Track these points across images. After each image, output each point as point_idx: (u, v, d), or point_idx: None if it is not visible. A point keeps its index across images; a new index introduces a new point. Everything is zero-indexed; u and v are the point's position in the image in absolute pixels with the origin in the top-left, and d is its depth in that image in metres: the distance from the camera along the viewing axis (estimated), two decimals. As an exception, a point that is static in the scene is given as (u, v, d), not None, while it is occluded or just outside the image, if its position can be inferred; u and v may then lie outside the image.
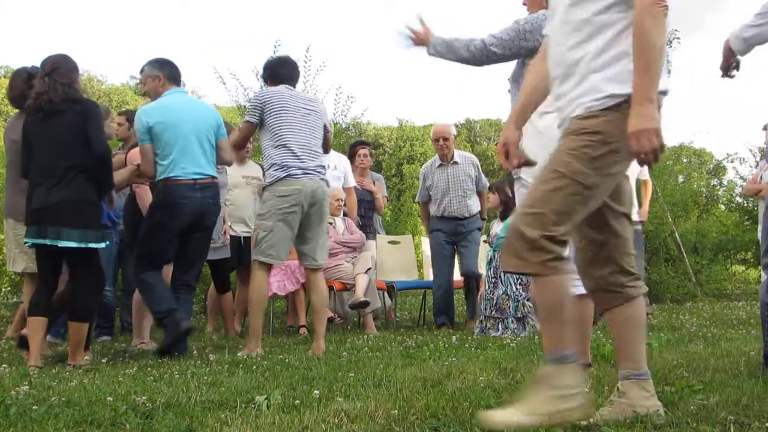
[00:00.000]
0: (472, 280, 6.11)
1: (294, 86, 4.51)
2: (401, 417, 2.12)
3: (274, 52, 10.07)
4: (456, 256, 6.31)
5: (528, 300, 5.29)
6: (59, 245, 3.72)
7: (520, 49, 3.13)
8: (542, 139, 2.93)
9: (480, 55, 3.16)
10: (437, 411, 2.15)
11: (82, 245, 3.75)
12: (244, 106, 10.34)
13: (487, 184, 6.32)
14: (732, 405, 2.22)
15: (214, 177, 4.31)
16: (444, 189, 6.21)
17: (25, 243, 3.84)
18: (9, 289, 8.56)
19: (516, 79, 3.20)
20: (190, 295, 4.47)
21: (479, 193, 6.30)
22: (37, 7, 65.60)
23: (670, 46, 10.51)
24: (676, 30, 10.36)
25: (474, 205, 6.20)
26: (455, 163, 6.21)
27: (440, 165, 6.27)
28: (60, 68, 3.90)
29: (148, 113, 4.21)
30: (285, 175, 4.24)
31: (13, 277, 8.04)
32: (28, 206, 3.83)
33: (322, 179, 4.34)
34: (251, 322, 4.33)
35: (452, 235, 6.15)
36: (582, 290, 2.97)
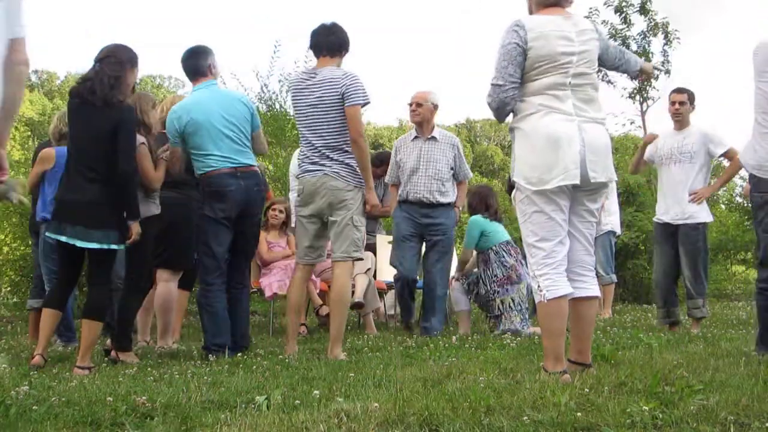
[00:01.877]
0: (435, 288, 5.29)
1: (322, 56, 4.13)
2: (401, 417, 2.12)
3: (275, 52, 10.12)
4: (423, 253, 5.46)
5: (501, 296, 5.20)
6: (77, 245, 3.59)
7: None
8: (529, 140, 2.93)
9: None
10: (437, 411, 2.15)
11: (104, 246, 3.62)
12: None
13: (470, 175, 5.57)
14: (732, 405, 2.22)
15: (252, 165, 4.26)
16: (413, 166, 5.21)
17: (46, 236, 3.71)
18: (9, 289, 8.53)
19: None
20: (246, 294, 4.37)
21: (460, 183, 5.44)
22: (35, 6, 65.52)
23: (670, 46, 10.53)
24: (676, 30, 10.37)
25: (447, 192, 5.26)
26: (433, 138, 5.28)
27: (415, 138, 5.31)
28: (111, 57, 3.68)
29: (177, 116, 4.17)
30: (298, 173, 4.18)
31: (13, 277, 8.01)
32: (57, 193, 3.73)
33: (326, 174, 3.99)
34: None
35: (419, 227, 5.24)
36: (582, 292, 2.98)
